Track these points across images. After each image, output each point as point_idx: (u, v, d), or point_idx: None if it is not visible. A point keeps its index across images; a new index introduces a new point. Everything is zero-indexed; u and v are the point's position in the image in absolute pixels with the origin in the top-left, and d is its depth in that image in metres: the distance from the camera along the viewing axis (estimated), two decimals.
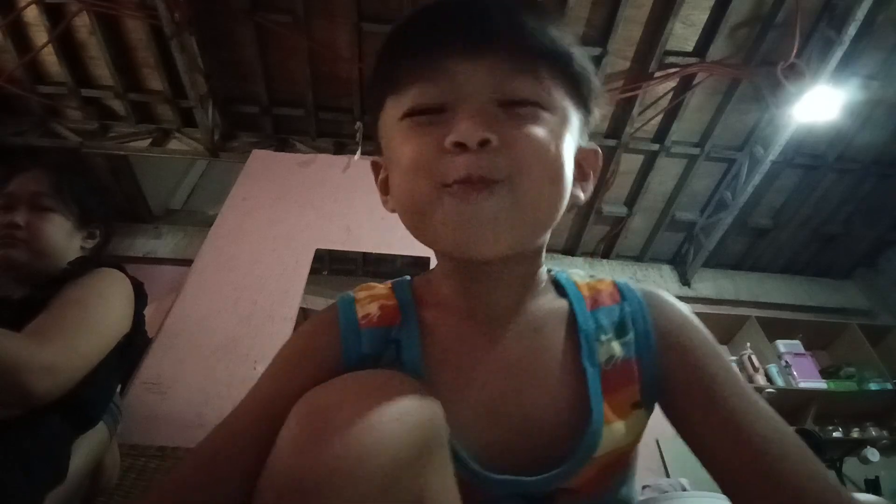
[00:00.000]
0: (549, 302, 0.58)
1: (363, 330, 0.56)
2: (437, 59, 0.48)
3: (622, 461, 0.56)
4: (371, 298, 0.59)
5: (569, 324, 0.57)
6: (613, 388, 0.54)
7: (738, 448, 0.49)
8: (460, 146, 0.46)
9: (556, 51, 0.50)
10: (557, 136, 0.49)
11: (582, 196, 0.56)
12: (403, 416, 0.43)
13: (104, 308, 1.04)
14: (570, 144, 0.51)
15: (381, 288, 0.62)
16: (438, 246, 0.53)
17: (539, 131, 0.48)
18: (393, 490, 0.39)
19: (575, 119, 0.53)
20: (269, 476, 0.41)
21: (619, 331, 0.56)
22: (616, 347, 0.55)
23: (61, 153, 3.34)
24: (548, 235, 0.55)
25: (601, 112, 0.57)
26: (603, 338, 0.56)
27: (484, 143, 0.45)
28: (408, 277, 0.64)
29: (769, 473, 0.47)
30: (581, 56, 0.53)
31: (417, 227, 0.52)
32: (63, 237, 1.14)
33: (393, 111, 0.52)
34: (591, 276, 0.63)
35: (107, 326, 1.04)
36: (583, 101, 0.54)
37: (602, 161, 0.58)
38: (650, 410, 0.57)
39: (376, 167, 0.61)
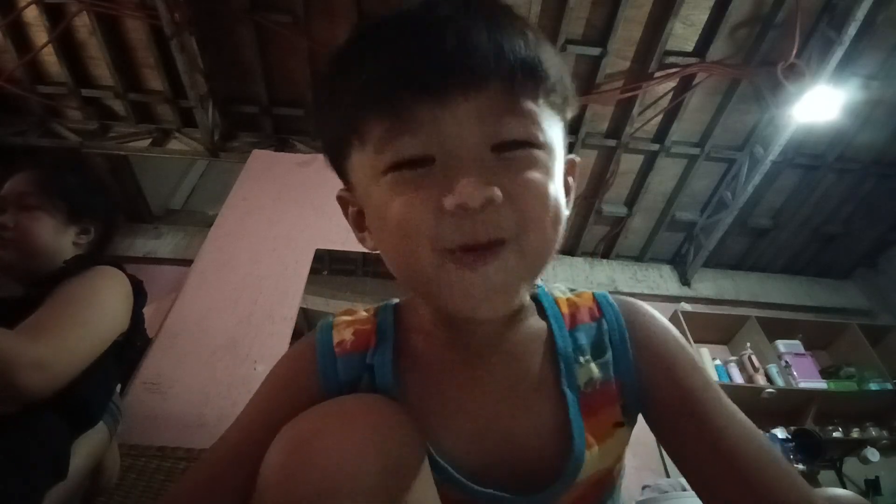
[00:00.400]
0: (529, 326, 0.58)
1: (339, 357, 0.56)
2: (414, 105, 0.42)
3: (607, 479, 0.57)
4: (347, 324, 0.59)
5: (548, 347, 0.56)
6: (594, 411, 0.54)
7: (718, 462, 0.50)
8: (462, 207, 0.42)
9: (542, 76, 0.46)
10: (552, 173, 0.47)
11: (568, 212, 0.53)
12: (380, 439, 0.44)
13: (98, 305, 1.04)
14: (560, 173, 0.49)
15: (363, 313, 0.61)
16: (437, 305, 0.50)
17: (538, 176, 0.45)
18: None
19: (561, 140, 0.50)
20: (258, 501, 0.43)
21: (598, 350, 0.56)
22: (594, 369, 0.55)
23: (61, 153, 3.34)
24: None
25: (575, 111, 0.53)
26: (581, 360, 0.55)
27: (488, 203, 0.42)
28: (395, 300, 0.63)
29: (749, 487, 0.48)
30: (559, 65, 0.48)
31: (414, 288, 0.50)
32: (51, 234, 1.14)
33: (367, 161, 0.46)
34: (572, 290, 0.63)
35: (101, 323, 1.03)
36: (563, 114, 0.51)
37: (579, 166, 0.57)
38: (633, 424, 0.57)
39: (343, 202, 0.57)
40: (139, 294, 1.17)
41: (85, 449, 1.08)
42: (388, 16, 0.46)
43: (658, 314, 0.60)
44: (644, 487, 2.18)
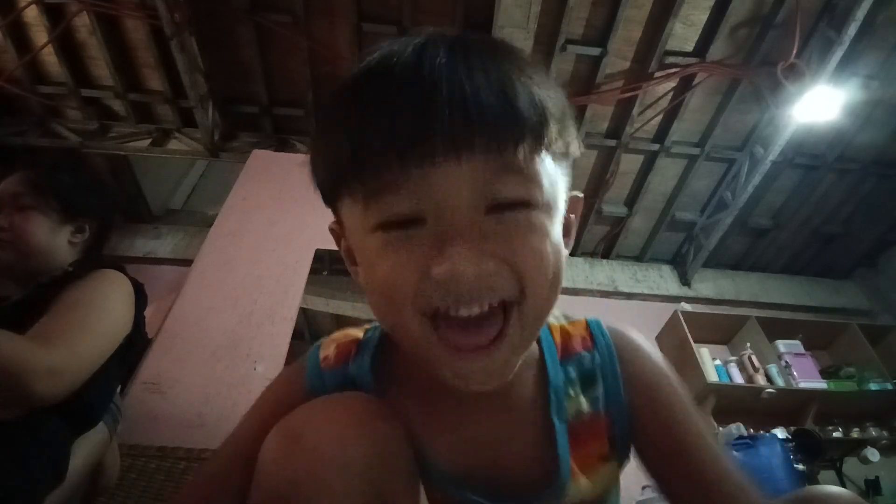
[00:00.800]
0: None
1: (324, 372, 0.57)
2: (404, 165, 0.39)
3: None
4: (333, 341, 0.60)
5: (539, 376, 0.56)
6: (581, 443, 0.54)
7: (697, 494, 0.53)
8: (455, 280, 0.39)
9: (544, 130, 0.41)
10: (550, 231, 0.43)
11: (567, 253, 0.49)
12: (365, 429, 0.46)
13: (106, 310, 1.05)
14: (559, 227, 0.46)
15: (356, 332, 0.61)
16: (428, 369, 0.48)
17: (535, 239, 0.42)
18: (357, 492, 0.43)
19: (564, 188, 0.47)
20: (256, 489, 0.45)
21: (588, 383, 0.56)
22: (584, 402, 0.56)
23: (61, 153, 3.35)
24: None
25: (581, 148, 0.49)
26: (571, 392, 0.55)
27: (481, 277, 0.40)
28: None
29: None
30: (562, 108, 0.44)
31: (402, 345, 0.49)
32: (46, 233, 1.14)
33: (357, 213, 0.44)
34: (566, 317, 0.62)
35: (109, 329, 1.04)
36: (567, 159, 0.48)
37: (584, 204, 0.54)
38: (623, 461, 0.58)
39: (335, 235, 0.54)
40: (140, 296, 1.18)
41: (85, 449, 1.08)
42: (379, 60, 0.43)
43: (648, 345, 0.60)
44: (644, 487, 2.17)
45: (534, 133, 0.40)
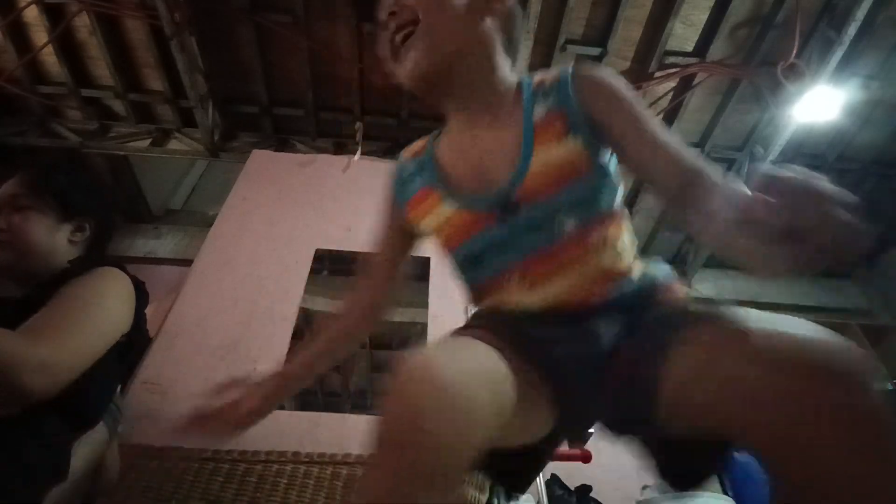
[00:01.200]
0: (507, 93, 0.82)
1: (406, 159, 0.90)
2: None
3: (568, 170, 0.74)
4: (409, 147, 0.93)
5: (518, 101, 0.80)
6: (543, 128, 0.76)
7: (654, 156, 0.73)
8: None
9: None
10: None
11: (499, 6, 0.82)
12: (479, 370, 0.56)
13: (102, 306, 1.05)
14: None
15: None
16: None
17: None
18: (469, 425, 0.49)
19: None
20: (385, 413, 0.50)
21: (547, 95, 0.78)
22: (543, 107, 0.78)
23: (61, 153, 3.35)
24: (484, 51, 0.81)
25: None
26: (538, 104, 0.78)
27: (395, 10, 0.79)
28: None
29: (675, 166, 0.71)
30: None
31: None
32: (45, 233, 1.15)
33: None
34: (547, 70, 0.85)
35: (104, 324, 1.04)
36: None
37: None
38: (585, 140, 0.74)
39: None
40: (141, 295, 1.18)
41: (85, 449, 1.08)
42: None
43: (606, 69, 0.80)
44: (644, 488, 2.17)
45: None
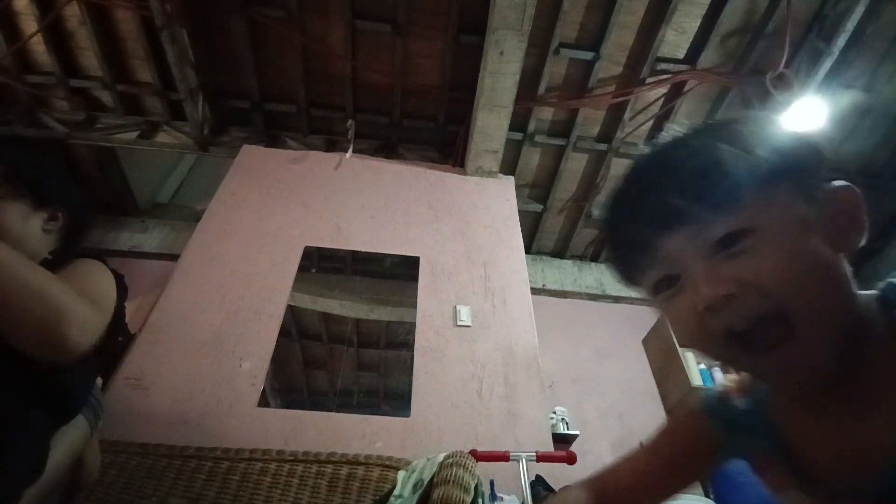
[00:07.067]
0: (874, 346, 0.52)
1: (730, 398, 0.66)
2: (648, 247, 0.54)
3: None
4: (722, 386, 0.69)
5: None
6: None
7: None
8: (709, 309, 0.49)
9: (731, 204, 0.49)
10: (780, 239, 0.48)
11: (852, 244, 0.53)
12: None
13: (102, 286, 1.05)
14: (795, 225, 0.49)
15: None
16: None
17: (767, 251, 0.48)
18: None
19: (794, 197, 0.50)
20: None
21: None
22: None
23: (46, 143, 3.30)
24: (846, 301, 0.53)
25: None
26: None
27: (727, 298, 0.48)
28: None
29: None
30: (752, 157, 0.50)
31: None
32: (18, 221, 1.13)
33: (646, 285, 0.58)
34: None
35: (109, 302, 1.04)
36: (804, 187, 0.51)
37: (859, 198, 0.53)
38: None
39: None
40: (121, 287, 1.16)
41: (65, 443, 1.06)
42: (624, 177, 0.63)
43: None
44: None
45: (724, 207, 0.49)
